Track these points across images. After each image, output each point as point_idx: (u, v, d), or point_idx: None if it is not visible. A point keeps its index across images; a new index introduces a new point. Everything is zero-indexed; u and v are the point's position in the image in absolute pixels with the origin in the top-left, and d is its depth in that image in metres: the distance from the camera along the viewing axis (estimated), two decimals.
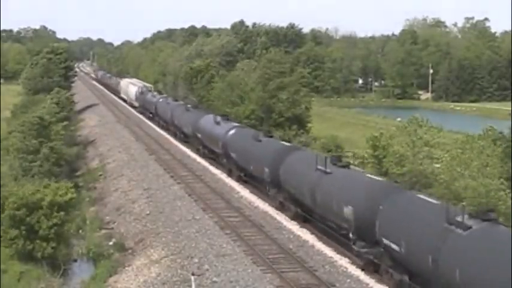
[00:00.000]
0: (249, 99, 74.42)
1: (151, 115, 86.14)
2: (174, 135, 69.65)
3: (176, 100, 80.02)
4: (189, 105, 68.71)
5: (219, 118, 53.62)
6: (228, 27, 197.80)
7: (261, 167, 40.91)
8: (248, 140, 44.84)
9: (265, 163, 39.99)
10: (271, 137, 45.07)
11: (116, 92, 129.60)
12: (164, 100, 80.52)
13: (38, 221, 34.29)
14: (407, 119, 48.63)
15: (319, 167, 32.94)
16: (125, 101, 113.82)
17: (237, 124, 52.48)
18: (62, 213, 34.94)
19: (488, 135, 43.34)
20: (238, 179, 47.13)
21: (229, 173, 48.87)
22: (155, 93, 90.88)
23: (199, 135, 57.05)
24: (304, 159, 36.45)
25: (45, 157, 52.45)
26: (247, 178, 46.32)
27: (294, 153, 38.18)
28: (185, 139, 65.00)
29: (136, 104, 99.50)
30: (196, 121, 58.48)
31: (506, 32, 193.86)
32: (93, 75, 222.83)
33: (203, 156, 56.73)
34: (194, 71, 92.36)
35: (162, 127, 77.60)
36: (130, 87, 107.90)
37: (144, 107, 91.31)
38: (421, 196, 26.93)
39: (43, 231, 34.14)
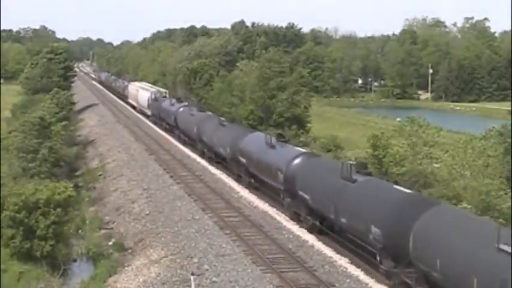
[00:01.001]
0: (249, 99, 74.43)
1: (168, 126, 73.96)
2: (202, 154, 57.81)
3: (202, 110, 65.50)
4: (223, 119, 56.41)
5: (273, 140, 41.31)
6: (228, 27, 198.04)
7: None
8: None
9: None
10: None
11: (123, 97, 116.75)
12: (186, 110, 66.60)
13: (36, 221, 34.25)
14: (405, 119, 48.68)
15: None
16: (133, 107, 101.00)
17: (302, 150, 40.14)
18: (59, 209, 34.85)
19: (491, 135, 43.32)
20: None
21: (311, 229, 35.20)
22: (173, 100, 75.98)
23: (243, 160, 45.26)
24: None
25: (45, 157, 52.45)
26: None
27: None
28: (217, 159, 53.50)
29: (148, 112, 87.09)
30: (237, 141, 46.69)
31: (505, 31, 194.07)
32: (93, 75, 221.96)
33: (251, 186, 44.70)
34: (192, 71, 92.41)
35: (184, 142, 65.10)
36: (142, 92, 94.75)
37: (160, 117, 78.28)
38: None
39: (41, 231, 34.11)
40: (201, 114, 62.02)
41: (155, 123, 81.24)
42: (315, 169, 34.25)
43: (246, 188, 44.97)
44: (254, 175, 42.82)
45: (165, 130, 74.65)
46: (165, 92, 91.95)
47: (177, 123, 67.50)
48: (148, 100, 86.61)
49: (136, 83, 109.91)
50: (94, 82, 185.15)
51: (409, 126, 45.75)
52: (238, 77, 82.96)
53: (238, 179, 47.04)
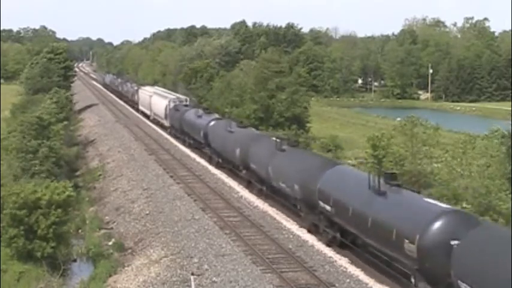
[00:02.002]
0: (249, 99, 74.47)
1: (193, 142, 60.25)
2: (248, 184, 44.54)
3: (244, 126, 50.72)
4: (280, 140, 40.58)
5: (381, 181, 28.12)
6: (228, 27, 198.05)
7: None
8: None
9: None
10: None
11: (132, 103, 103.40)
12: (222, 125, 51.32)
13: (36, 221, 34.26)
14: (405, 119, 48.69)
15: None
16: (145, 115, 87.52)
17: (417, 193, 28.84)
18: (59, 210, 34.86)
19: (494, 135, 43.30)
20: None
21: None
22: (200, 110, 60.61)
23: (326, 208, 31.32)
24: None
25: (44, 157, 52.41)
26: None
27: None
28: (274, 195, 40.27)
29: (166, 123, 72.98)
30: (316, 177, 32.60)
31: (505, 31, 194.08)
32: (93, 75, 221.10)
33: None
34: (193, 71, 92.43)
35: (219, 166, 51.70)
36: (157, 99, 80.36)
37: (182, 131, 63.84)
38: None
39: (42, 231, 34.11)
40: (243, 131, 47.74)
41: (176, 137, 67.34)
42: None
43: (247, 188, 44.80)
44: (347, 231, 30.39)
45: (189, 146, 61.48)
46: (186, 100, 74.51)
47: (208, 140, 53.73)
48: (166, 109, 72.17)
49: (148, 88, 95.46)
50: (97, 84, 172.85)
51: (408, 125, 45.76)
52: (237, 76, 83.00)
53: (238, 179, 47.06)
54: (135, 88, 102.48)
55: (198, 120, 57.87)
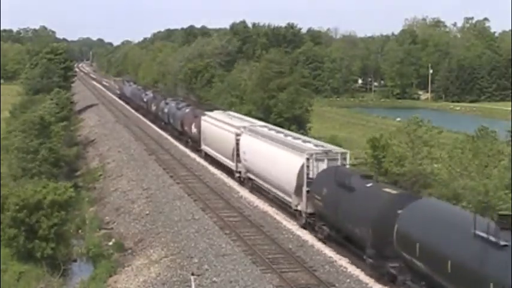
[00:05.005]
0: (249, 99, 74.54)
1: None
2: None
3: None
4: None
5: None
6: (228, 27, 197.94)
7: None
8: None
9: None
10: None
11: (174, 130, 67.37)
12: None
13: (37, 221, 34.27)
14: (407, 119, 48.66)
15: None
16: (228, 172, 48.55)
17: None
18: (63, 212, 34.92)
19: (482, 134, 43.36)
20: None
21: None
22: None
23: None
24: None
25: (45, 157, 52.42)
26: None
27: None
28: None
29: (293, 201, 36.31)
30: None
31: (505, 31, 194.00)
32: (93, 76, 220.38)
33: None
34: (193, 71, 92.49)
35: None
36: (251, 142, 43.22)
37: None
38: None
39: (43, 231, 34.13)
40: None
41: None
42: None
43: (247, 188, 44.78)
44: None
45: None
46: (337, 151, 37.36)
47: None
48: (303, 174, 34.71)
49: (218, 115, 54.65)
50: (105, 90, 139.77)
51: (411, 126, 45.73)
52: (237, 76, 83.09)
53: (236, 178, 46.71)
54: (186, 111, 62.65)
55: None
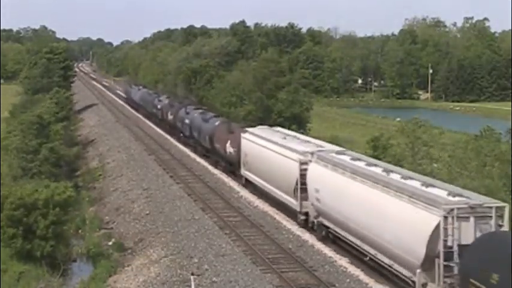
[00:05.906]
0: (248, 99, 74.51)
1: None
2: None
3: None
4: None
5: None
6: (228, 27, 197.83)
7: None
8: None
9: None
10: None
11: (199, 146, 56.88)
12: None
13: (35, 221, 34.25)
14: (408, 120, 48.70)
15: None
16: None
17: None
18: (57, 209, 34.83)
19: (486, 135, 43.37)
20: None
21: None
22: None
23: None
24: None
25: (45, 157, 52.41)
26: None
27: None
28: None
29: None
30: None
31: (505, 31, 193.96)
32: (93, 76, 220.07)
33: None
34: (193, 71, 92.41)
35: None
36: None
37: None
38: None
39: (40, 231, 34.12)
40: None
41: None
42: None
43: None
44: None
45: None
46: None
47: None
48: (434, 241, 22.56)
49: (264, 132, 42.90)
50: (117, 99, 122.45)
51: (411, 126, 45.77)
52: (236, 77, 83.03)
53: (237, 179, 46.75)
54: (226, 128, 49.05)
55: None
